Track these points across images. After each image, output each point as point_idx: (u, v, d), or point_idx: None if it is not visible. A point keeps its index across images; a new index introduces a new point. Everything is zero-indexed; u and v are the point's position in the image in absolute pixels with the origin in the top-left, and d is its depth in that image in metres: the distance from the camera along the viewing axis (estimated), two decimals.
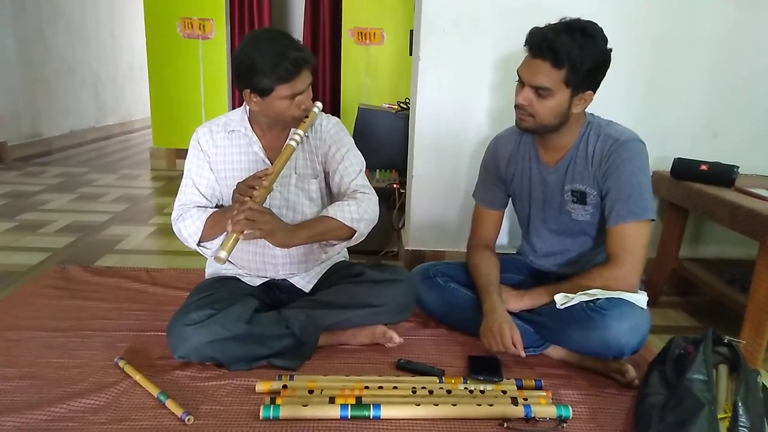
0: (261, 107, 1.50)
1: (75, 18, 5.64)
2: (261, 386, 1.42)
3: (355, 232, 1.53)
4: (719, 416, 1.21)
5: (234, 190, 1.47)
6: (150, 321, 1.79)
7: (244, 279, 1.68)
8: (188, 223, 1.55)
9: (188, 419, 1.29)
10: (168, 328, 1.48)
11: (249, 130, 1.61)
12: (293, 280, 1.70)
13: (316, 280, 1.72)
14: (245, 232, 1.37)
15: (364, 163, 1.67)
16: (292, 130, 1.54)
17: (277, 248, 1.62)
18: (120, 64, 6.65)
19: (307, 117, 1.53)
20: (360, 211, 1.52)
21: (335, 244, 1.58)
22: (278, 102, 1.47)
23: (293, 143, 1.49)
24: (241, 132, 1.61)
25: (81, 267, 2.25)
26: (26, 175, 4.14)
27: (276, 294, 1.71)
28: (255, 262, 1.67)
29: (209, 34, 4.21)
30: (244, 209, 1.36)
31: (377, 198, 1.61)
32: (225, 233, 1.52)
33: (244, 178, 1.49)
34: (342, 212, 1.51)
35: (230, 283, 1.64)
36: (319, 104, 1.56)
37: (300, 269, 1.70)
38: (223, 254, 1.33)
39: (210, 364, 1.53)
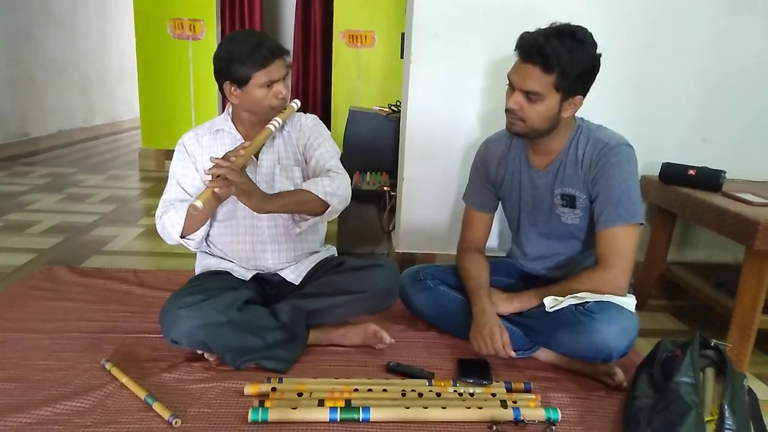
0: (241, 99, 1.56)
1: (65, 18, 5.60)
2: (249, 389, 1.42)
3: (329, 206, 1.55)
4: (706, 419, 1.22)
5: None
6: (137, 323, 1.78)
7: (234, 274, 1.68)
8: (171, 214, 1.57)
9: (176, 422, 1.28)
10: (161, 312, 1.48)
11: (233, 128, 1.66)
12: (283, 273, 1.71)
13: (305, 273, 1.73)
14: (221, 189, 1.37)
15: (339, 152, 1.71)
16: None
17: (266, 236, 1.66)
18: (109, 65, 6.60)
19: (285, 109, 1.59)
20: (333, 187, 1.55)
21: (308, 219, 1.60)
22: (256, 90, 1.53)
23: (271, 127, 1.55)
24: (225, 131, 1.66)
25: (68, 268, 2.23)
26: (13, 175, 4.10)
27: (266, 290, 1.72)
28: (245, 251, 1.68)
29: (200, 35, 4.20)
30: (224, 167, 1.37)
31: (350, 180, 1.65)
32: (206, 225, 1.61)
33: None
34: (315, 186, 1.53)
35: (221, 276, 1.66)
36: (297, 101, 1.64)
37: (288, 258, 1.72)
38: (198, 203, 1.34)
39: (199, 365, 1.52)
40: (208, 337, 1.47)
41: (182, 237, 1.59)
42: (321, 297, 1.62)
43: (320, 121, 1.75)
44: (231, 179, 1.37)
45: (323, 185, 1.54)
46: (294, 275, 1.72)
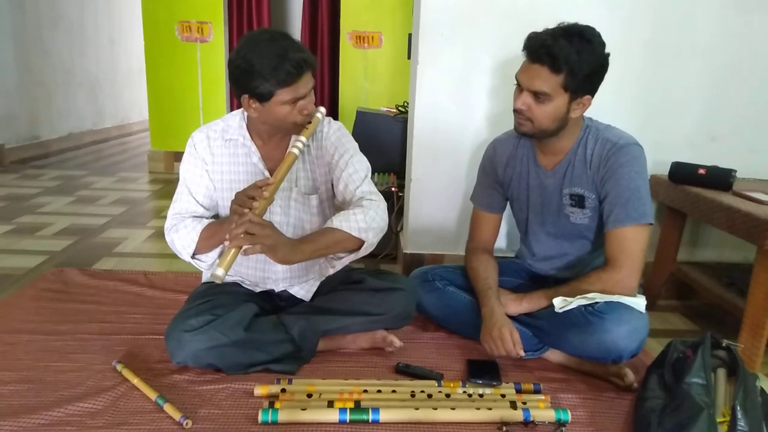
0: (261, 114, 1.42)
1: (74, 22, 5.64)
2: (259, 390, 1.42)
3: (364, 242, 1.45)
4: (718, 420, 1.22)
5: (232, 201, 1.37)
6: (148, 324, 1.79)
7: (244, 284, 1.67)
8: (182, 234, 1.48)
9: (186, 423, 1.28)
10: (166, 334, 1.47)
11: (248, 139, 1.53)
12: (292, 290, 1.69)
13: (315, 289, 1.71)
14: (244, 247, 1.28)
15: (370, 168, 1.59)
16: (294, 136, 1.47)
17: (279, 265, 1.58)
18: (118, 68, 6.64)
19: (310, 123, 1.45)
20: (367, 220, 1.43)
21: (342, 257, 1.51)
22: (279, 107, 1.38)
23: (296, 151, 1.40)
24: (240, 141, 1.53)
25: (79, 270, 2.25)
26: (24, 178, 4.13)
27: (276, 301, 1.69)
28: (255, 277, 1.65)
29: (207, 37, 4.22)
30: (243, 222, 1.27)
31: (386, 204, 1.53)
32: (222, 246, 1.46)
33: (242, 190, 1.39)
34: (348, 222, 1.42)
35: (229, 288, 1.62)
36: (322, 109, 1.49)
37: (300, 281, 1.69)
38: (220, 272, 1.24)
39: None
40: (215, 358, 1.45)
41: (193, 257, 1.51)
42: (337, 316, 1.58)
43: (345, 131, 1.61)
44: (254, 236, 1.26)
45: (356, 221, 1.42)
46: (304, 291, 1.69)
